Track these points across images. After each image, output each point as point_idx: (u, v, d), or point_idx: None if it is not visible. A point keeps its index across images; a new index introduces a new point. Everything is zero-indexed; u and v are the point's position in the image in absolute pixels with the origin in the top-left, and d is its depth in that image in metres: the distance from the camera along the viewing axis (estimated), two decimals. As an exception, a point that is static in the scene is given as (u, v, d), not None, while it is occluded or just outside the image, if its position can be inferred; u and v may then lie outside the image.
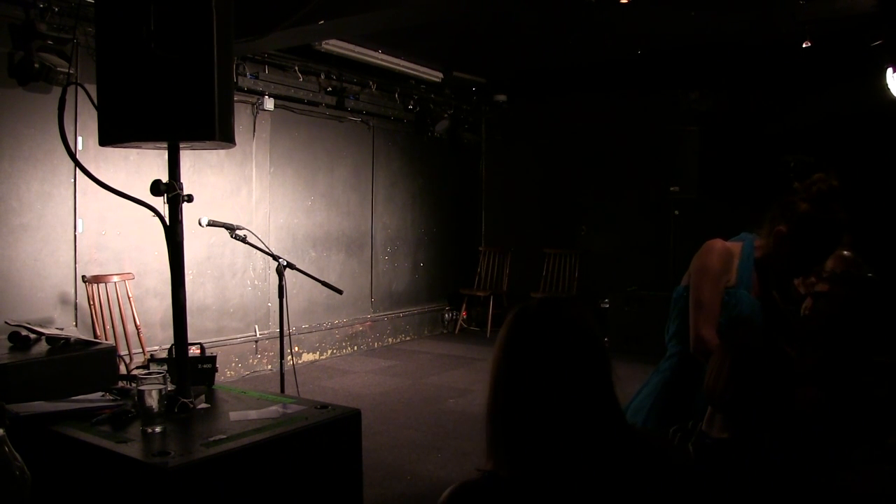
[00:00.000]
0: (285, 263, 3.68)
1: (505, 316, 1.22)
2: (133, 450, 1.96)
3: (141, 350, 4.85)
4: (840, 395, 1.92)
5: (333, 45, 6.19)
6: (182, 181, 2.36)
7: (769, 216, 2.09)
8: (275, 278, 4.11)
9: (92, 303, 4.72)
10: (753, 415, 1.62)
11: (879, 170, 6.27)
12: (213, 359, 2.69)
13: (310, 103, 6.78)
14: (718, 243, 2.12)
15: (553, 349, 1.16)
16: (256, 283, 6.33)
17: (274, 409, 2.36)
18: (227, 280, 6.08)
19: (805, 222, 1.99)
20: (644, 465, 1.19)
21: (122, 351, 4.68)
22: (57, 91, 4.42)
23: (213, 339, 5.79)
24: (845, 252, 3.92)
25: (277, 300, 3.69)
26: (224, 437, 2.06)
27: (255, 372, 6.23)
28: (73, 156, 2.42)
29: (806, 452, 1.69)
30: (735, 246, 2.14)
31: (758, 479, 1.56)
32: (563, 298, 1.28)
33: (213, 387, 2.65)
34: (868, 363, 2.08)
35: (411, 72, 7.27)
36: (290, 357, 3.92)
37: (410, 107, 7.84)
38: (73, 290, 4.97)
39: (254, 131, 6.29)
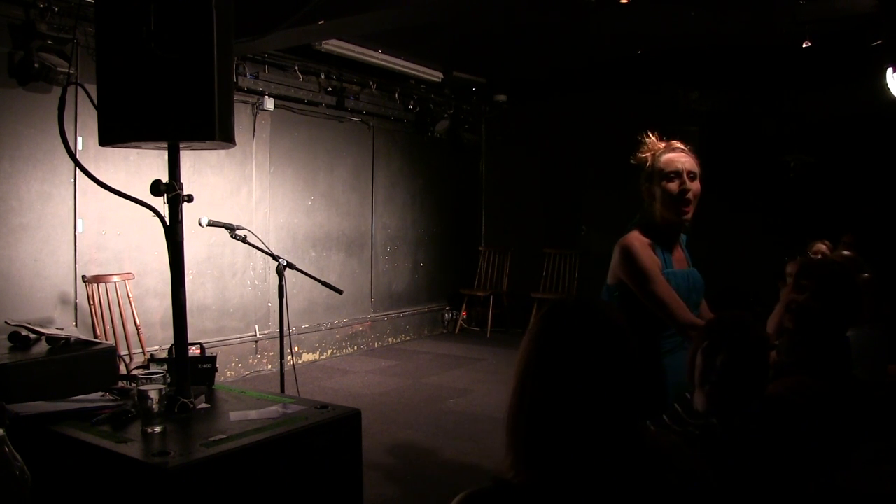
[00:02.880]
0: (285, 263, 3.68)
1: (505, 315, 1.21)
2: (133, 450, 1.96)
3: (141, 350, 4.85)
4: (829, 383, 1.91)
5: (333, 45, 6.19)
6: (182, 181, 2.36)
7: (643, 190, 2.33)
8: (275, 278, 4.11)
9: (92, 303, 4.71)
10: (737, 394, 1.63)
11: (879, 170, 6.27)
12: (213, 359, 2.70)
13: (310, 103, 6.78)
14: (636, 241, 2.24)
15: (590, 349, 1.11)
16: (256, 283, 6.33)
17: (274, 409, 2.36)
18: (227, 280, 6.08)
19: (650, 167, 2.30)
20: (661, 474, 1.14)
21: (122, 351, 4.68)
22: (57, 91, 4.42)
23: (213, 339, 5.79)
24: (846, 252, 3.92)
25: (277, 300, 3.69)
26: (224, 437, 2.06)
27: (255, 372, 6.23)
28: (73, 156, 2.42)
29: (806, 452, 1.69)
30: (639, 235, 2.27)
31: (760, 479, 1.56)
32: (598, 298, 1.25)
33: (213, 387, 2.65)
34: (844, 350, 2.06)
35: (411, 72, 7.26)
36: (290, 357, 3.92)
37: (410, 107, 7.84)
38: (73, 290, 4.97)
39: (254, 131, 6.29)
